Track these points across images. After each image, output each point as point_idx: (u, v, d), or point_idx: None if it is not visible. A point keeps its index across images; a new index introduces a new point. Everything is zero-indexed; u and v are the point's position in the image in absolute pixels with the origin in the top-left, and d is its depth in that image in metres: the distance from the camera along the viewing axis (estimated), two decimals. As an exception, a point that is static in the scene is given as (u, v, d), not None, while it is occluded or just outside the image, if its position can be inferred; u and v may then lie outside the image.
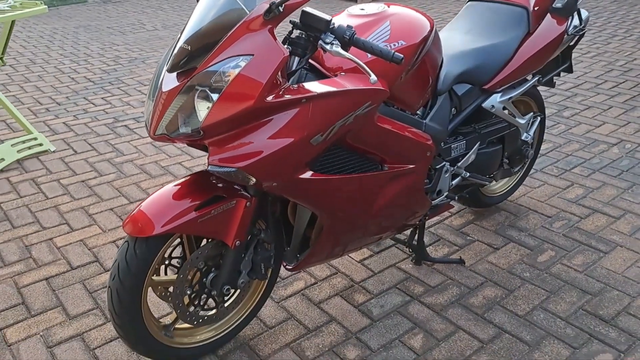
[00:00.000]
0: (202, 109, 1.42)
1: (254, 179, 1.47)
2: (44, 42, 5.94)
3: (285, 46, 1.54)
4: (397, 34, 1.71)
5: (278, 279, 2.19)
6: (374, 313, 2.02)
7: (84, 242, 2.48)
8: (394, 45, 1.69)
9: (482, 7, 2.24)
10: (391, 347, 1.86)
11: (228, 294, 1.70)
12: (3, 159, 3.14)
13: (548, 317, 1.97)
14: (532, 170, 2.99)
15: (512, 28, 2.13)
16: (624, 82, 4.25)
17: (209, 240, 1.67)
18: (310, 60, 1.68)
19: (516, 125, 2.27)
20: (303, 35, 1.53)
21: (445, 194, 2.10)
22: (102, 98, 4.25)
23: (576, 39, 2.36)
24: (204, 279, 1.69)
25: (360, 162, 1.72)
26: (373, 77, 1.44)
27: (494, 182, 2.60)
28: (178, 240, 1.68)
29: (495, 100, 2.12)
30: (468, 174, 2.17)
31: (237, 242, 1.61)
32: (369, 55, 1.65)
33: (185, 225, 1.52)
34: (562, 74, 4.48)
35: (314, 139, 1.49)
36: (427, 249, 2.37)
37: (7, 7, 2.90)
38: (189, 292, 1.67)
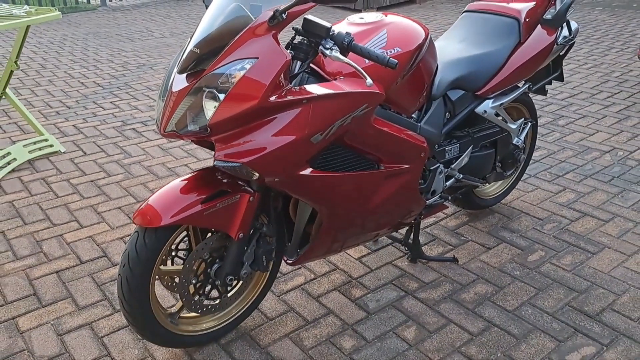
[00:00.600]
0: (210, 108, 1.53)
1: (257, 174, 1.57)
2: (54, 48, 6.08)
3: (288, 51, 1.65)
4: (393, 41, 1.82)
5: (279, 275, 2.29)
6: (370, 307, 2.11)
7: (92, 238, 2.58)
8: (390, 51, 1.80)
9: (476, 17, 2.35)
10: (385, 338, 1.96)
11: (231, 284, 1.80)
12: (15, 159, 3.25)
13: (535, 312, 2.06)
14: (525, 175, 3.09)
15: (504, 37, 2.24)
16: (618, 92, 4.35)
17: (214, 232, 1.78)
18: (311, 65, 1.79)
19: (508, 130, 2.37)
20: (305, 41, 1.63)
21: (439, 194, 2.20)
22: (110, 102, 4.38)
23: (566, 48, 2.47)
24: (209, 270, 1.79)
25: (358, 161, 1.82)
26: (369, 80, 1.55)
27: (487, 185, 2.71)
28: (184, 233, 1.79)
29: (487, 106, 2.23)
30: (461, 175, 2.27)
31: (241, 234, 1.72)
32: (367, 60, 1.76)
33: (192, 217, 1.63)
34: (554, 83, 4.59)
35: (314, 138, 1.60)
36: (423, 247, 2.46)
37: (23, 12, 3.03)
38: (194, 282, 1.77)
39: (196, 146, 3.44)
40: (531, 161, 3.25)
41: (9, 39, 6.59)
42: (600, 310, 2.07)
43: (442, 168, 2.17)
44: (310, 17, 1.60)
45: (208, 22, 1.61)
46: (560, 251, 2.42)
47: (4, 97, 3.46)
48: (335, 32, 1.60)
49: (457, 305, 2.11)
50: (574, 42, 2.46)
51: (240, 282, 1.91)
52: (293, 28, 1.66)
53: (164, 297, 2.15)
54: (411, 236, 2.33)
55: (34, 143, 3.44)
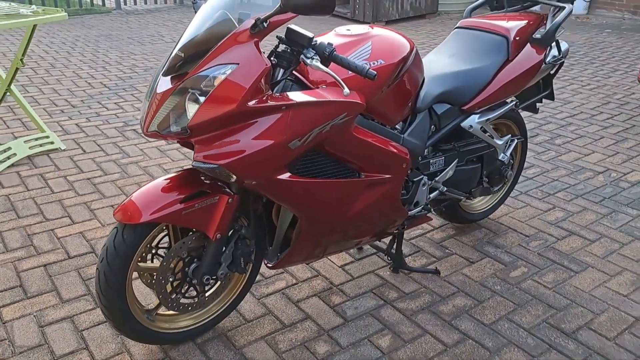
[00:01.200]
0: (191, 110, 1.57)
1: (235, 177, 1.61)
2: (65, 48, 6.20)
3: (272, 59, 1.69)
4: (377, 53, 1.86)
5: (261, 278, 2.32)
6: (347, 314, 2.13)
7: (83, 234, 2.63)
8: (374, 63, 1.84)
9: (467, 34, 2.39)
10: (360, 345, 1.98)
11: (208, 284, 1.83)
12: (15, 154, 3.32)
13: (512, 327, 2.07)
14: (516, 192, 3.10)
15: (492, 54, 2.28)
16: (619, 114, 4.36)
17: (194, 232, 1.81)
18: (296, 73, 1.83)
19: (494, 145, 2.39)
20: (288, 50, 1.68)
21: (423, 205, 2.23)
22: (115, 103, 4.45)
23: (556, 68, 2.50)
24: (187, 269, 1.82)
25: (339, 168, 1.85)
26: (346, 90, 1.59)
27: (474, 200, 2.72)
28: (165, 232, 1.83)
29: (473, 121, 2.25)
30: (445, 188, 2.29)
31: (218, 235, 1.75)
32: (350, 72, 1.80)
33: (170, 215, 1.67)
34: (555, 103, 4.60)
35: (292, 143, 1.64)
36: (407, 259, 2.48)
37: (30, 12, 3.11)
38: (171, 280, 1.80)
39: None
40: (523, 179, 3.27)
41: (20, 37, 6.71)
42: (577, 328, 2.07)
43: (426, 180, 2.19)
44: (293, 26, 1.64)
45: (194, 27, 1.66)
46: (543, 268, 2.43)
47: (9, 93, 3.53)
48: (318, 42, 1.64)
49: (434, 316, 2.13)
50: (563, 62, 2.49)
51: (218, 282, 1.94)
52: (277, 36, 1.70)
53: (146, 294, 2.18)
54: (394, 246, 2.35)
55: (36, 139, 3.51)
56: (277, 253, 1.98)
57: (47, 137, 3.55)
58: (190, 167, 1.82)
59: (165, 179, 1.77)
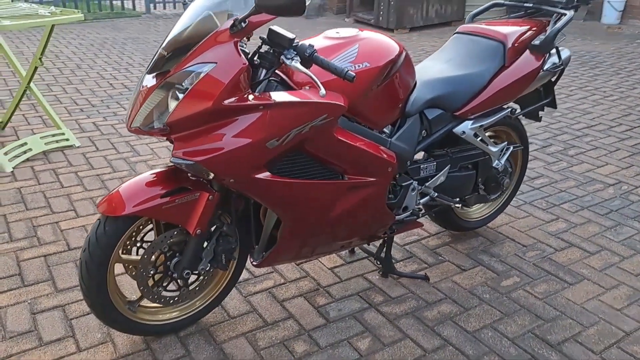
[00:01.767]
0: (172, 107, 1.61)
1: (212, 174, 1.65)
2: (93, 50, 6.39)
3: (255, 59, 1.73)
4: (363, 56, 1.87)
5: (250, 277, 2.35)
6: (330, 315, 2.14)
7: (85, 227, 2.71)
8: (358, 66, 1.85)
9: (465, 39, 2.38)
10: (338, 347, 1.98)
11: (188, 278, 1.87)
12: (31, 149, 3.44)
13: (495, 336, 2.04)
14: (520, 202, 3.05)
15: (487, 60, 2.26)
16: (638, 126, 4.25)
17: (178, 227, 1.85)
18: (281, 75, 1.86)
19: (488, 152, 2.37)
20: (270, 50, 1.71)
21: (412, 210, 2.22)
22: (132, 103, 4.57)
23: (557, 75, 2.46)
24: (168, 263, 1.86)
25: (321, 170, 1.87)
26: (322, 90, 1.61)
27: (473, 207, 2.70)
28: (152, 226, 1.88)
29: (466, 127, 2.24)
30: (436, 194, 2.28)
31: (198, 230, 1.79)
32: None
33: (151, 209, 1.71)
34: (573, 113, 4.51)
35: (269, 143, 1.66)
36: (398, 264, 2.48)
37: (48, 13, 3.23)
38: (152, 273, 1.85)
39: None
40: (529, 188, 3.22)
41: (40, 37, 6.95)
42: (562, 340, 2.03)
43: (416, 185, 2.19)
44: (275, 27, 1.67)
45: (179, 26, 1.71)
46: (536, 279, 2.39)
47: (28, 91, 3.67)
48: (299, 43, 1.66)
49: (417, 321, 2.12)
50: (564, 69, 2.45)
51: (201, 277, 1.98)
52: (260, 37, 1.74)
53: (133, 287, 2.23)
54: (384, 250, 2.35)
55: (52, 136, 3.63)
56: (262, 252, 2.00)
57: (63, 134, 3.67)
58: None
59: (151, 174, 1.82)
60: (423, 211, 2.40)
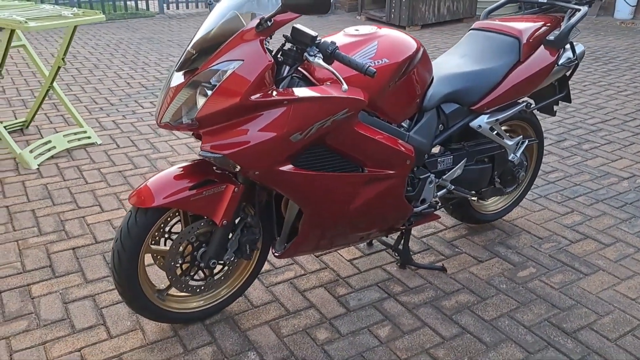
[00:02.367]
0: (201, 103, 1.69)
1: (239, 166, 1.72)
2: (109, 50, 6.50)
3: (279, 56, 1.79)
4: (382, 52, 1.93)
5: (271, 268, 2.42)
6: (350, 304, 2.21)
7: (110, 221, 2.80)
8: (378, 62, 1.91)
9: (480, 35, 2.43)
10: (359, 334, 2.05)
11: (214, 268, 1.95)
12: (54, 147, 3.54)
13: (512, 324, 2.09)
14: (535, 195, 3.09)
15: (503, 55, 2.31)
16: (652, 120, 4.26)
17: (203, 218, 1.93)
18: (303, 71, 1.92)
19: (504, 146, 2.42)
20: (293, 48, 1.77)
21: (429, 203, 2.28)
22: (150, 102, 4.66)
23: (571, 70, 2.50)
24: (195, 253, 1.94)
25: (342, 163, 1.93)
26: (344, 86, 1.67)
27: (489, 200, 2.75)
28: (179, 218, 1.95)
29: (482, 121, 2.29)
30: (453, 186, 2.33)
31: (224, 221, 1.86)
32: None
33: (179, 201, 1.79)
34: (586, 108, 4.53)
35: (293, 136, 1.73)
36: (416, 256, 2.53)
37: (71, 14, 3.32)
38: (180, 263, 1.92)
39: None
40: (544, 182, 3.26)
41: (60, 38, 7.07)
42: (578, 328, 2.08)
43: (433, 178, 2.24)
44: (298, 25, 1.74)
45: (207, 26, 1.78)
46: (552, 270, 2.44)
47: (51, 90, 3.77)
48: (321, 40, 1.73)
49: (435, 310, 2.17)
50: (578, 64, 2.48)
51: (226, 267, 2.05)
52: (283, 35, 1.80)
53: (161, 277, 2.31)
54: (402, 242, 2.40)
55: (74, 134, 3.73)
56: (284, 243, 2.07)
57: (85, 132, 3.76)
58: (202, 158, 1.94)
59: (179, 167, 1.90)
60: (440, 204, 2.45)
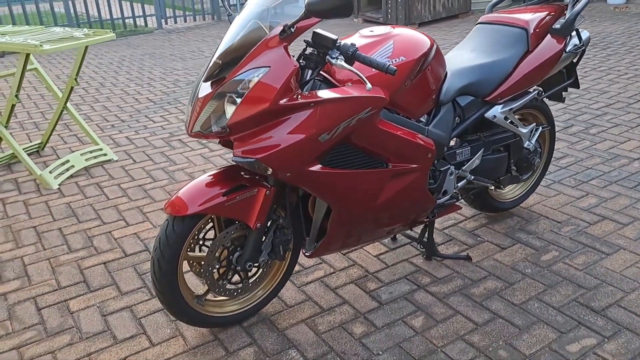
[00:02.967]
0: (230, 111, 1.75)
1: (271, 169, 1.77)
2: (113, 68, 6.58)
3: (300, 61, 1.86)
4: (398, 50, 2.00)
5: (301, 269, 2.47)
6: (382, 298, 2.26)
7: (137, 235, 2.86)
8: (395, 60, 1.98)
9: (487, 28, 2.49)
10: (394, 326, 2.10)
11: (250, 270, 2.00)
12: (73, 166, 3.61)
13: (542, 307, 2.15)
14: (549, 181, 3.15)
15: (512, 46, 2.37)
16: (656, 101, 4.32)
17: (236, 223, 1.99)
18: (323, 73, 1.99)
19: (518, 134, 2.48)
20: (314, 52, 1.83)
21: (451, 194, 2.33)
22: (160, 116, 4.73)
23: (578, 56, 2.56)
24: (231, 257, 2.00)
25: (367, 160, 1.99)
26: (368, 85, 1.73)
27: (506, 188, 2.80)
28: (211, 225, 2.01)
29: (496, 111, 2.35)
30: (472, 177, 2.39)
31: (258, 224, 1.92)
32: (374, 69, 1.94)
33: (214, 207, 1.85)
34: (590, 93, 4.59)
35: (321, 137, 1.79)
36: (439, 247, 2.59)
37: (82, 35, 3.39)
38: (217, 267, 1.98)
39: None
40: (556, 168, 3.31)
41: (72, 59, 7.16)
42: (606, 306, 2.13)
43: (453, 169, 2.30)
44: (318, 30, 1.80)
45: (230, 37, 1.85)
46: (574, 252, 2.49)
47: (65, 111, 3.84)
48: (342, 43, 1.79)
49: (465, 298, 2.23)
50: (585, 50, 2.55)
51: (260, 269, 2.11)
52: (304, 40, 1.86)
53: (196, 285, 2.37)
54: (426, 235, 2.46)
55: (90, 152, 3.79)
56: (313, 242, 2.13)
57: (101, 149, 3.83)
58: (230, 165, 2.00)
59: (209, 176, 1.96)
60: (460, 195, 2.50)
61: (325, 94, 1.80)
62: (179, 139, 4.17)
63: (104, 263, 2.62)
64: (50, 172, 3.50)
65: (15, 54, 7.19)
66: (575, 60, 2.61)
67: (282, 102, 1.72)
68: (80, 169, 3.65)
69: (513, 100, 2.40)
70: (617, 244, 2.53)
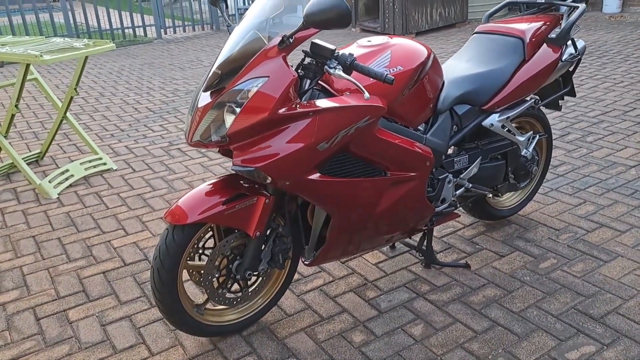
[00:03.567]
0: (229, 120, 1.76)
1: (270, 178, 1.79)
2: (112, 78, 6.61)
3: (299, 71, 1.87)
4: (396, 60, 2.02)
5: (300, 277, 2.48)
6: (382, 306, 2.26)
7: (136, 244, 2.86)
8: (393, 70, 2.00)
9: (484, 38, 2.51)
10: (393, 334, 2.10)
11: (250, 279, 2.01)
12: (72, 175, 3.62)
13: (540, 314, 2.15)
14: (546, 189, 3.17)
15: (508, 56, 2.39)
16: (653, 109, 4.35)
17: (236, 232, 1.99)
18: (322, 83, 2.00)
19: (516, 142, 2.50)
20: (313, 62, 1.85)
21: (449, 202, 2.35)
22: (160, 125, 4.75)
23: (574, 65, 2.59)
24: (230, 266, 2.00)
25: (366, 168, 2.00)
26: (366, 94, 1.74)
27: (504, 196, 2.82)
28: (210, 233, 2.02)
29: (494, 119, 2.37)
30: (470, 185, 2.41)
31: (257, 233, 1.93)
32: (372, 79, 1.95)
33: (214, 216, 1.85)
34: (586, 101, 4.62)
35: (320, 146, 1.80)
36: (438, 255, 2.60)
37: (82, 45, 3.42)
38: (217, 276, 1.99)
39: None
40: (554, 176, 3.33)
41: (72, 69, 7.18)
42: (605, 313, 2.14)
43: (451, 177, 2.32)
44: (317, 40, 1.82)
45: (229, 47, 1.86)
46: (572, 259, 2.50)
47: (65, 121, 3.85)
48: (340, 53, 1.81)
49: (465, 306, 2.23)
50: (580, 59, 2.57)
51: (260, 278, 2.11)
52: (303, 51, 1.88)
53: (196, 294, 2.37)
54: (425, 243, 2.47)
55: (90, 161, 3.80)
56: (313, 251, 2.13)
57: (100, 159, 3.84)
58: (229, 174, 2.01)
59: (209, 185, 1.97)
60: (458, 203, 2.52)
61: (323, 103, 1.81)
62: (178, 148, 4.18)
63: (103, 272, 2.62)
64: (49, 181, 3.50)
65: (14, 64, 7.24)
66: (571, 69, 2.63)
67: (281, 111, 1.73)
68: (80, 178, 3.66)
69: (510, 109, 2.42)
70: (615, 251, 2.54)
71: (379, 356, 2.00)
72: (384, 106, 1.90)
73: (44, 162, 4.05)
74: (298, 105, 1.77)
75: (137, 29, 9.17)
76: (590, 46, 6.62)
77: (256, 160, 1.76)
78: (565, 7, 2.56)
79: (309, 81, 1.86)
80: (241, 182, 1.98)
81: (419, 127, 2.20)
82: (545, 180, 3.27)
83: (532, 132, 2.59)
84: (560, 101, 2.76)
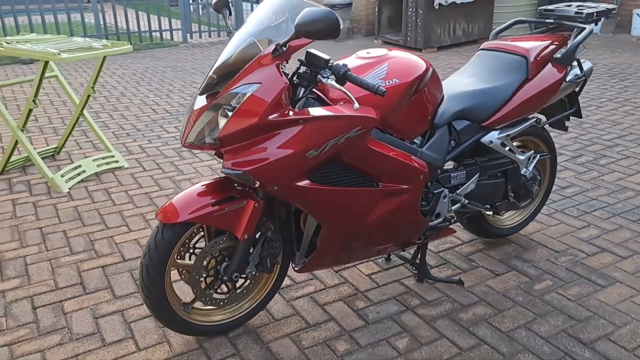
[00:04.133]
0: (222, 124, 1.80)
1: (258, 182, 1.81)
2: (135, 79, 6.75)
3: (294, 79, 1.90)
4: (392, 73, 2.03)
5: (292, 283, 2.49)
6: (369, 317, 2.26)
7: (137, 241, 2.92)
8: (389, 82, 2.01)
9: (488, 55, 2.51)
10: (378, 346, 2.10)
11: (237, 281, 2.03)
12: (84, 171, 3.70)
13: (529, 335, 2.13)
14: (551, 210, 3.13)
15: (511, 73, 2.39)
16: (671, 135, 4.26)
17: (226, 233, 2.02)
18: (318, 92, 2.03)
19: (516, 161, 2.48)
20: (307, 71, 1.88)
21: (444, 217, 2.34)
22: (174, 127, 4.83)
23: (580, 86, 2.56)
24: (219, 267, 2.03)
25: (357, 178, 2.02)
26: (356, 104, 1.76)
27: (505, 215, 2.79)
28: (202, 233, 2.05)
29: (493, 137, 2.36)
30: (467, 201, 2.40)
31: (246, 236, 1.95)
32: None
33: (203, 217, 1.89)
34: (602, 124, 4.55)
35: (309, 153, 1.82)
36: (433, 270, 2.59)
37: (101, 45, 3.51)
38: (204, 276, 2.02)
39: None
40: (560, 197, 3.29)
41: (91, 68, 7.35)
42: (595, 338, 2.10)
43: (447, 192, 2.31)
44: (312, 50, 1.85)
45: (227, 52, 1.91)
46: (569, 282, 2.46)
47: (82, 118, 3.96)
48: (334, 63, 1.83)
49: (453, 322, 2.22)
50: (586, 80, 2.55)
51: (248, 280, 2.14)
52: (298, 59, 1.91)
53: (186, 292, 2.40)
54: (419, 256, 2.46)
55: (103, 158, 3.89)
56: (303, 257, 2.15)
57: (113, 156, 3.92)
58: (224, 176, 2.05)
59: (202, 185, 2.01)
60: (455, 218, 2.51)
61: (315, 111, 1.84)
62: (189, 150, 4.25)
63: (103, 267, 2.68)
64: (61, 175, 3.60)
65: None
66: (577, 90, 2.61)
67: (271, 117, 1.76)
68: (91, 174, 3.75)
69: (510, 127, 2.41)
70: (613, 276, 2.49)
71: (361, 366, 2.00)
72: (376, 117, 1.91)
73: (59, 156, 4.15)
74: (290, 112, 1.80)
75: (164, 33, 9.35)
76: (615, 68, 6.52)
77: (245, 164, 1.79)
78: (574, 28, 2.54)
79: (302, 89, 1.88)
80: (235, 185, 2.01)
81: (415, 140, 2.21)
82: (551, 201, 3.23)
83: (533, 151, 2.57)
84: (566, 122, 2.73)
